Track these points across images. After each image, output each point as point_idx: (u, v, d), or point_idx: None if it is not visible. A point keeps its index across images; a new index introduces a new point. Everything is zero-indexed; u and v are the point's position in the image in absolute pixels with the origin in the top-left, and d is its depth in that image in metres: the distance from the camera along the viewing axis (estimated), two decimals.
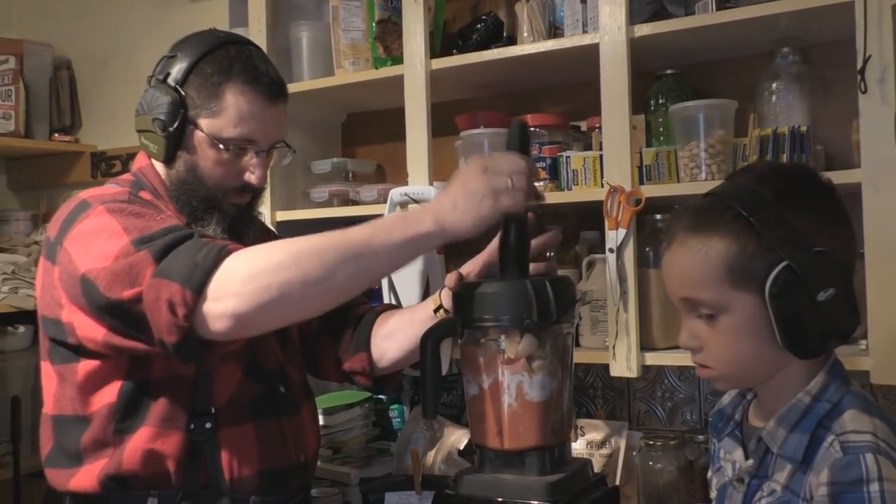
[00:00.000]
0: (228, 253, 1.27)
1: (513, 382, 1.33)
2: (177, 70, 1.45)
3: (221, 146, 1.45)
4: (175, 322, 1.22)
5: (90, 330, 1.32)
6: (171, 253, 1.27)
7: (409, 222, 1.30)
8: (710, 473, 1.30)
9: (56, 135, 3.02)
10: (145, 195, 1.47)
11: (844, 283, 1.07)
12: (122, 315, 1.27)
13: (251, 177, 1.48)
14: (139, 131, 1.50)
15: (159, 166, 1.51)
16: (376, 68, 2.14)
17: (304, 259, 1.25)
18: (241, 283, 1.23)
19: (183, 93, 1.44)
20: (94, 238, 1.33)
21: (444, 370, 1.54)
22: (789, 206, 1.08)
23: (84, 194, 1.44)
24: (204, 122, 1.45)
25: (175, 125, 1.44)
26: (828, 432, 1.07)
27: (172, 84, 1.45)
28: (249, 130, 1.46)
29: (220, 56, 1.46)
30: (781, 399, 1.13)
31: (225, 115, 1.44)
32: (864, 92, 1.55)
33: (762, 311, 1.08)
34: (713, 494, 1.27)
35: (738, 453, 1.20)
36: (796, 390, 1.12)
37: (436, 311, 1.52)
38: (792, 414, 1.11)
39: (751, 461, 1.16)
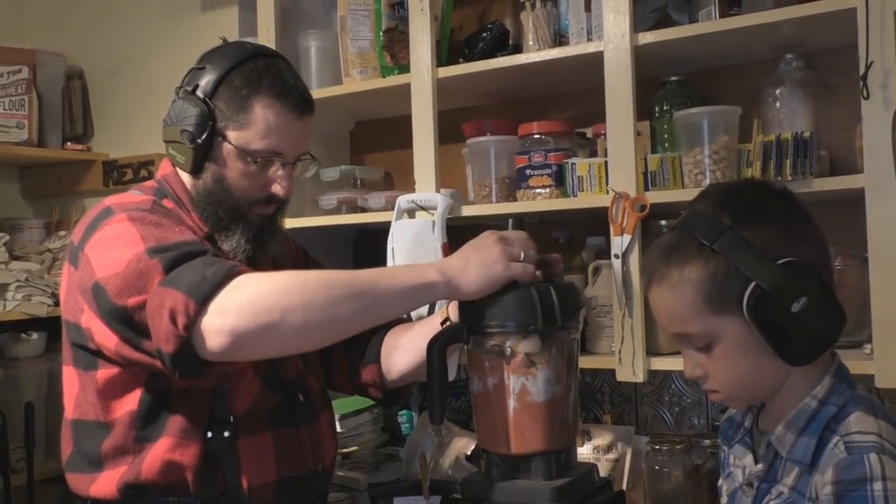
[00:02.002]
0: (239, 273, 1.28)
1: (518, 387, 1.34)
2: (206, 82, 1.47)
3: (249, 158, 1.46)
4: (174, 331, 1.23)
5: (104, 337, 1.34)
6: (182, 265, 1.28)
7: (415, 271, 1.34)
8: (720, 480, 1.31)
9: (68, 143, 3.05)
10: (168, 203, 1.49)
11: (816, 287, 1.08)
12: (127, 323, 1.29)
13: (277, 188, 1.50)
14: (167, 141, 1.52)
15: (184, 176, 1.53)
16: (384, 77, 2.16)
17: (310, 289, 1.26)
18: (245, 301, 1.24)
19: (212, 105, 1.46)
20: (112, 244, 1.35)
21: (452, 376, 1.55)
22: (748, 224, 1.10)
23: (109, 201, 1.46)
24: (232, 134, 1.46)
25: (203, 137, 1.45)
26: (833, 434, 1.09)
27: (201, 96, 1.46)
28: (277, 143, 1.47)
29: (249, 69, 1.47)
30: (789, 404, 1.14)
31: (253, 127, 1.46)
32: (867, 98, 1.56)
33: (749, 330, 1.09)
34: (724, 500, 1.28)
35: (749, 459, 1.21)
36: (803, 395, 1.13)
37: (443, 322, 1.53)
38: (800, 418, 1.12)
39: (760, 465, 1.17)
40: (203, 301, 1.23)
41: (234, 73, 1.47)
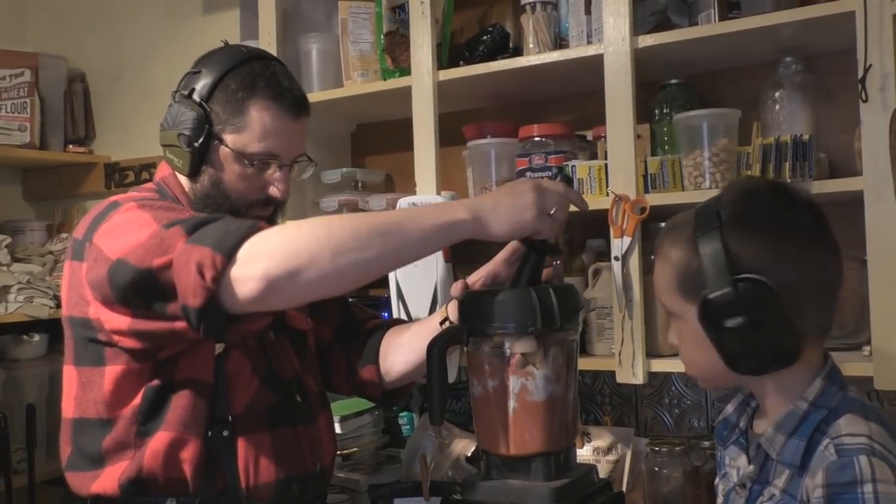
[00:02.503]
0: (261, 227, 1.29)
1: (518, 388, 1.35)
2: (201, 86, 1.47)
3: (246, 161, 1.47)
4: (202, 283, 1.23)
5: (116, 321, 1.34)
6: (203, 226, 1.29)
7: (443, 209, 1.33)
8: (717, 480, 1.31)
9: (70, 146, 3.06)
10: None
11: (763, 311, 1.08)
12: (149, 286, 1.28)
13: (274, 190, 1.51)
14: (164, 145, 1.52)
15: (183, 178, 1.54)
16: (385, 79, 2.16)
17: (335, 231, 1.26)
18: (273, 247, 1.24)
19: (208, 108, 1.47)
20: (125, 229, 1.35)
21: (452, 378, 1.56)
22: (738, 228, 1.12)
23: (114, 197, 1.47)
24: (229, 138, 1.47)
25: (200, 140, 1.46)
26: (824, 436, 1.09)
27: (197, 100, 1.47)
28: (273, 145, 1.48)
29: (245, 72, 1.48)
30: (780, 406, 1.15)
31: (249, 130, 1.46)
32: (865, 101, 1.57)
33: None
34: (720, 500, 1.29)
35: (742, 460, 1.22)
36: (793, 397, 1.14)
37: (441, 323, 1.54)
38: (790, 420, 1.13)
39: (752, 467, 1.18)
40: (230, 253, 1.24)
41: (229, 76, 1.47)
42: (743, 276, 1.09)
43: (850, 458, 1.04)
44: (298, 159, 1.56)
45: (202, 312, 1.24)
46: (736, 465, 1.23)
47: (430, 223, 1.29)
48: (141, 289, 1.29)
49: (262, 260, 1.23)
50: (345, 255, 1.25)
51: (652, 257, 1.26)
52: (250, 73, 1.48)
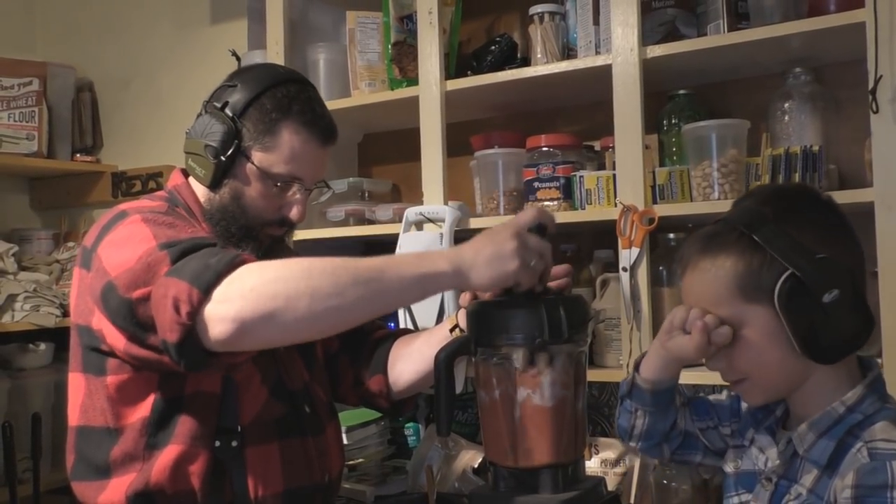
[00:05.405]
0: (243, 262, 1.27)
1: (525, 400, 1.34)
2: (235, 100, 1.48)
3: (270, 181, 1.48)
4: (177, 320, 1.21)
5: (114, 338, 1.34)
6: (188, 256, 1.28)
7: (423, 259, 1.29)
8: (728, 460, 1.29)
9: (78, 155, 3.07)
10: (179, 212, 1.50)
11: (849, 286, 1.09)
12: (133, 317, 1.28)
13: (293, 212, 1.51)
14: (188, 153, 1.52)
15: (199, 188, 1.54)
16: (392, 89, 2.16)
17: (315, 274, 1.24)
18: (248, 289, 1.22)
19: (239, 124, 1.47)
20: (125, 244, 1.35)
21: (459, 388, 1.55)
22: (789, 221, 1.12)
23: (124, 205, 1.47)
24: (256, 156, 1.47)
25: (227, 154, 1.46)
26: (857, 440, 1.08)
27: (230, 114, 1.47)
28: (298, 169, 1.49)
29: (281, 93, 1.48)
30: (813, 407, 1.14)
31: (278, 151, 1.47)
32: (876, 112, 1.56)
33: (777, 321, 1.10)
34: (728, 468, 1.27)
35: (773, 451, 1.20)
36: (830, 400, 1.13)
37: (451, 330, 1.53)
38: (824, 421, 1.12)
39: (778, 461, 1.17)
40: (206, 289, 1.22)
41: (265, 95, 1.48)
42: (821, 255, 1.09)
43: (882, 463, 1.03)
44: (317, 184, 1.56)
45: (180, 347, 1.23)
46: (765, 453, 1.22)
47: (410, 273, 1.26)
48: (124, 318, 1.29)
49: (236, 302, 1.21)
50: (322, 300, 1.22)
51: (679, 281, 1.22)
52: (286, 96, 1.48)
